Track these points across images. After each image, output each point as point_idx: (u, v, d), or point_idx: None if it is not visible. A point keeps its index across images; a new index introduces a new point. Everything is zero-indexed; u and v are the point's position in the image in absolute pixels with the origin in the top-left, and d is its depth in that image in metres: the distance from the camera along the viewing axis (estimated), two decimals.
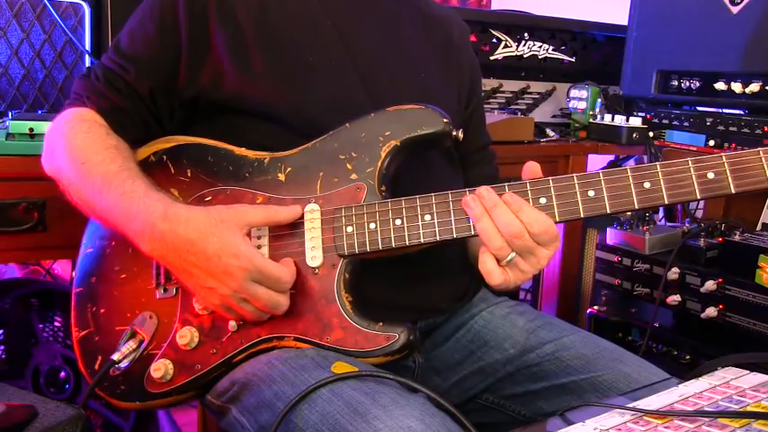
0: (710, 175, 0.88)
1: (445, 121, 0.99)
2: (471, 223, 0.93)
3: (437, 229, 0.95)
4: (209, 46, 1.06)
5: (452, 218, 0.94)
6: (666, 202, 0.90)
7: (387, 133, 0.99)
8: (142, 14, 1.09)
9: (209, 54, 1.06)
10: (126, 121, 1.07)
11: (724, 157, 0.88)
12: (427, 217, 0.95)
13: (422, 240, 0.95)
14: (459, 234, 0.94)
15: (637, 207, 0.91)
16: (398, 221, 0.96)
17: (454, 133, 1.00)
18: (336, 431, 0.81)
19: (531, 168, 0.94)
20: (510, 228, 0.89)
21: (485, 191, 0.91)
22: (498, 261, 0.91)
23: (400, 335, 0.93)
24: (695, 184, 0.89)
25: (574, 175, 0.92)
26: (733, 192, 0.88)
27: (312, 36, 1.10)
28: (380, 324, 0.94)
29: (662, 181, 0.89)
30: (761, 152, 0.88)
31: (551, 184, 0.92)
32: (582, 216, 0.91)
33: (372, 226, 0.96)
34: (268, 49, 1.07)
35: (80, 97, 1.08)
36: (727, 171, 0.88)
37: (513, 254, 0.90)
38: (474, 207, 0.91)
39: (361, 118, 1.01)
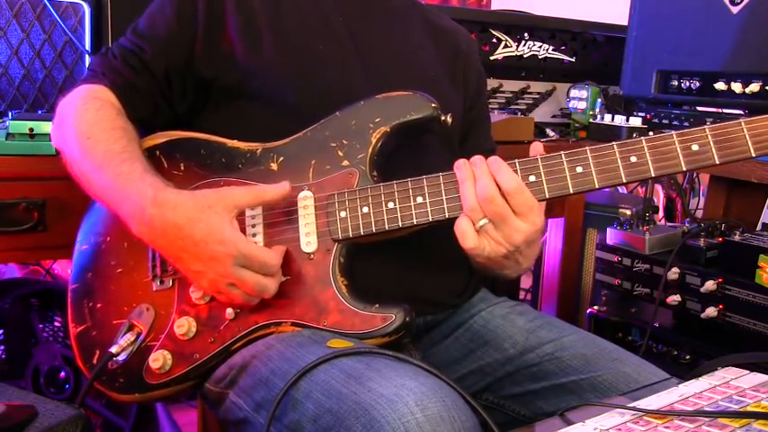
0: (695, 147, 0.90)
1: (433, 105, 1.01)
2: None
3: (429, 209, 0.96)
4: (223, 30, 1.08)
5: (444, 197, 0.96)
6: (653, 174, 0.92)
7: (376, 120, 1.01)
8: (162, 2, 1.12)
9: (222, 38, 1.08)
10: (137, 99, 1.09)
11: (707, 129, 0.90)
12: (419, 199, 0.96)
13: (414, 221, 0.96)
14: (451, 214, 0.95)
15: (624, 180, 0.93)
16: (391, 204, 0.97)
17: (443, 118, 1.01)
18: (330, 395, 0.82)
19: (536, 148, 0.96)
20: (485, 190, 0.91)
21: (478, 159, 0.94)
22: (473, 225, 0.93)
23: (396, 315, 0.94)
24: (680, 156, 0.91)
25: (562, 152, 0.93)
26: (717, 162, 0.90)
27: (322, 28, 1.13)
28: (376, 305, 0.95)
29: (648, 154, 0.91)
30: (742, 123, 0.89)
31: (540, 162, 0.93)
32: (571, 191, 0.93)
33: (365, 210, 0.97)
34: (279, 36, 1.10)
35: (95, 73, 1.11)
36: (711, 143, 0.90)
37: (486, 220, 0.92)
38: (463, 170, 0.93)
39: (351, 106, 1.03)
